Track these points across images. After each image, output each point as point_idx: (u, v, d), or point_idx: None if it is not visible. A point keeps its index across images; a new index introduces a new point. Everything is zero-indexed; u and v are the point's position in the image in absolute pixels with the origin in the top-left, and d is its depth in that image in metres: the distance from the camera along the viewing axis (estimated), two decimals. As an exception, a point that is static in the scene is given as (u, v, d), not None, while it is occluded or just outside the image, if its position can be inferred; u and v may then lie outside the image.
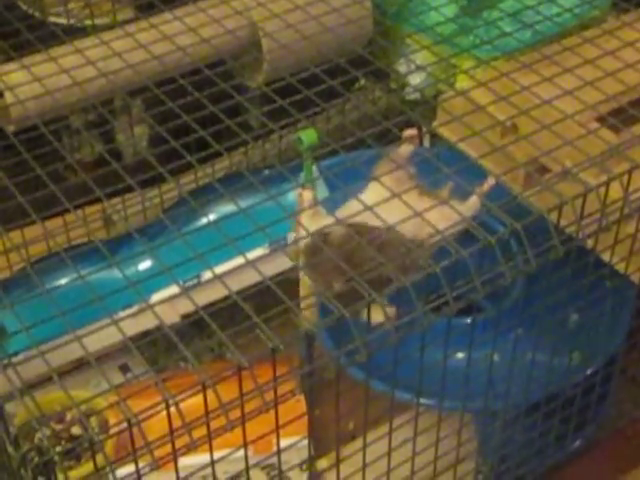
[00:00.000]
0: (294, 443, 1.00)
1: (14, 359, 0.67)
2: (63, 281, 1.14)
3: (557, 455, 1.05)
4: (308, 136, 0.83)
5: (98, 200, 0.90)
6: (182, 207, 1.13)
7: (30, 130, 0.89)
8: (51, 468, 0.61)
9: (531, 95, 0.89)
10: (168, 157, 0.89)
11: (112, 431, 0.65)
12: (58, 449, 0.61)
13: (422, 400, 0.89)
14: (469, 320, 1.02)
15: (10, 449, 0.62)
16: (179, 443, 0.65)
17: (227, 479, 1.06)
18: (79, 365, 1.17)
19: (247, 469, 0.76)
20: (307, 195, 0.84)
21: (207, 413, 0.65)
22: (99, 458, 0.64)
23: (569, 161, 0.84)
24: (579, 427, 1.04)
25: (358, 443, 1.05)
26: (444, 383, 0.86)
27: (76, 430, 1.06)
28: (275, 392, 0.67)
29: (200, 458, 0.73)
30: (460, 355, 0.99)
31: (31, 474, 0.61)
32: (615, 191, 0.81)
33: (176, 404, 0.64)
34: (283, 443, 0.78)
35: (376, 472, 0.89)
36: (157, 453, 0.66)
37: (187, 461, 0.71)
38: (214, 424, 0.66)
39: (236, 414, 0.67)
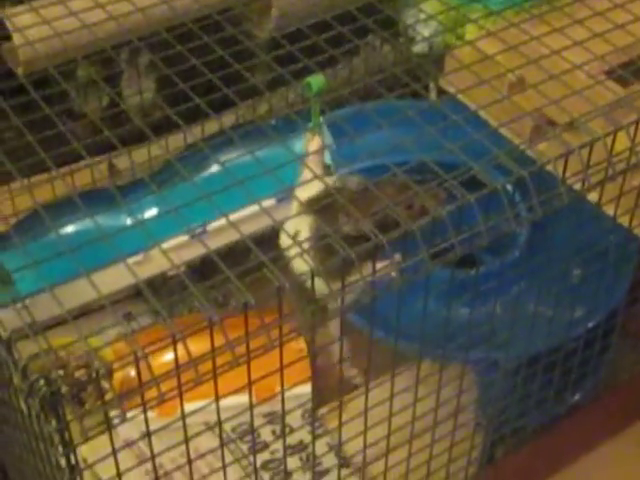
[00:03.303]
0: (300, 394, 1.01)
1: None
2: (67, 228, 1.15)
3: (556, 408, 1.06)
4: (316, 82, 0.83)
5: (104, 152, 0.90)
6: (189, 156, 1.13)
7: (39, 85, 0.89)
8: (59, 399, 0.62)
9: (540, 46, 0.89)
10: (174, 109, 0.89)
11: (118, 365, 0.65)
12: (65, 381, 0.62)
13: (424, 349, 0.90)
14: (472, 272, 1.03)
15: (17, 380, 0.62)
16: (185, 378, 0.66)
17: (231, 429, 1.08)
18: (80, 315, 1.17)
19: (252, 411, 0.76)
20: (315, 141, 0.84)
21: (213, 349, 0.65)
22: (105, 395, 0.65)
23: (576, 112, 0.84)
24: (579, 381, 1.05)
25: (360, 392, 1.06)
26: (446, 332, 0.87)
27: (80, 375, 1.07)
28: (280, 330, 0.68)
29: (203, 403, 0.74)
30: (463, 307, 1.00)
31: (38, 404, 0.61)
32: (622, 143, 0.82)
33: (183, 339, 0.64)
34: (286, 392, 0.79)
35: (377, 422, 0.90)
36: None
37: (191, 407, 0.72)
38: (219, 361, 0.66)
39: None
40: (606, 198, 0.87)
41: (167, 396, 0.65)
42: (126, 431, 0.93)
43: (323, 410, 1.09)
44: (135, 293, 1.25)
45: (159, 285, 1.16)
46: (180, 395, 0.68)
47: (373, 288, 0.70)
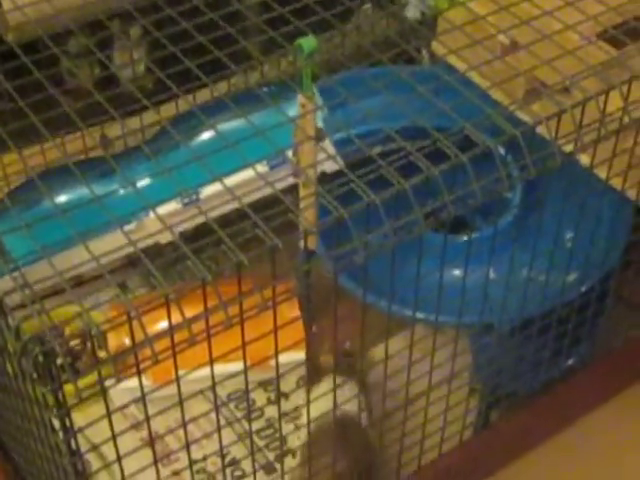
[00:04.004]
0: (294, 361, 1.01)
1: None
2: (60, 197, 1.15)
3: (551, 372, 1.06)
4: (308, 44, 0.82)
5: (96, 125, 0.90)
6: (181, 122, 1.12)
7: (29, 52, 0.89)
8: (52, 359, 0.61)
9: (532, 7, 0.88)
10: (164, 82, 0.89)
11: (111, 325, 0.65)
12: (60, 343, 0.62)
13: (418, 314, 0.90)
14: (465, 238, 1.03)
15: (11, 340, 0.62)
16: (178, 338, 0.66)
17: (226, 396, 1.08)
18: (73, 285, 1.17)
19: (246, 374, 0.76)
20: (308, 104, 0.83)
21: (206, 308, 0.65)
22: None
23: (569, 74, 0.84)
24: (573, 345, 1.05)
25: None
26: (440, 297, 0.87)
27: (75, 344, 1.07)
28: (273, 291, 0.68)
29: (200, 372, 0.74)
30: (456, 273, 1.00)
31: (32, 365, 0.61)
32: (615, 104, 0.81)
33: (177, 301, 0.64)
34: (281, 359, 0.79)
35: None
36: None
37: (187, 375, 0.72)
38: (213, 320, 0.66)
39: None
40: (598, 160, 0.87)
41: (161, 356, 0.65)
42: (120, 400, 0.93)
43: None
44: (128, 263, 1.24)
45: (153, 255, 1.16)
46: (174, 355, 0.67)
47: (367, 248, 0.70)
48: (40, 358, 0.61)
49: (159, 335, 0.65)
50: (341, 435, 0.92)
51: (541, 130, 0.78)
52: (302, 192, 0.87)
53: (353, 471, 0.93)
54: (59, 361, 0.62)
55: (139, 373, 0.67)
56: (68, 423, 0.67)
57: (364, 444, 0.97)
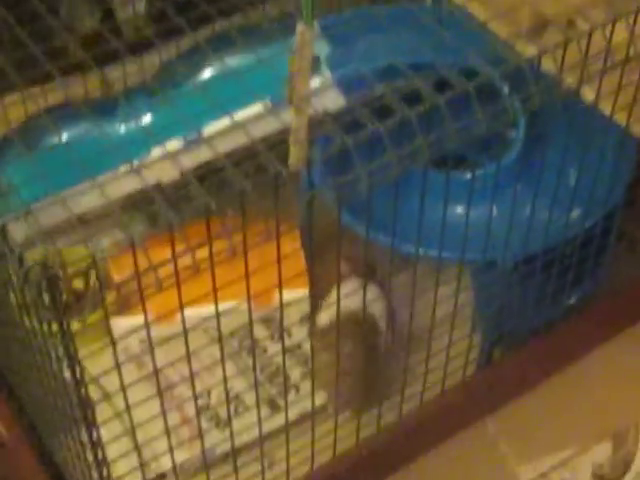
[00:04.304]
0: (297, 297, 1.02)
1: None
2: (62, 139, 1.14)
3: (553, 311, 1.06)
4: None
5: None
6: (185, 57, 1.11)
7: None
8: (55, 285, 0.61)
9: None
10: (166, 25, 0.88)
11: (116, 252, 0.65)
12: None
13: (421, 251, 0.89)
14: (468, 176, 1.03)
15: (13, 266, 0.62)
16: (181, 264, 0.66)
17: (228, 334, 1.08)
18: (77, 227, 1.17)
19: (251, 320, 0.76)
20: (307, 34, 0.82)
21: (209, 237, 0.65)
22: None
23: (575, 4, 0.83)
24: (576, 284, 1.05)
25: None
26: (443, 233, 0.87)
27: (78, 284, 1.07)
28: (277, 220, 0.68)
29: (202, 309, 0.74)
30: (459, 210, 1.00)
31: (35, 291, 0.61)
32: (621, 35, 0.81)
33: (182, 232, 0.64)
34: (284, 297, 0.79)
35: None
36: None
37: (189, 313, 0.72)
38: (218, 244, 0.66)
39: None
40: (603, 94, 0.86)
41: (165, 283, 0.65)
42: (125, 340, 0.94)
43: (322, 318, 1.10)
44: (130, 205, 1.24)
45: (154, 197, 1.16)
46: (178, 284, 0.67)
47: (370, 177, 0.69)
48: (43, 284, 0.61)
49: (163, 263, 0.65)
50: (355, 330, 0.94)
51: (545, 65, 0.78)
52: (295, 122, 0.86)
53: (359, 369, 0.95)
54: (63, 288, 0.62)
55: (143, 302, 0.67)
56: (72, 351, 0.67)
57: (376, 345, 0.99)
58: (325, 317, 1.00)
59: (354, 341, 0.95)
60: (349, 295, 0.87)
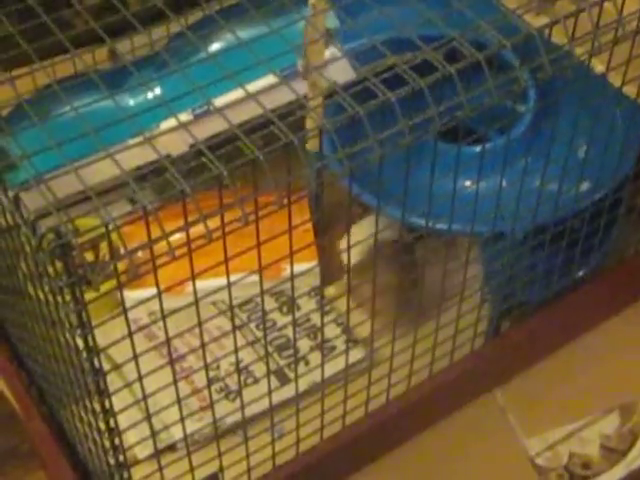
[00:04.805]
0: (307, 269, 1.02)
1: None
2: (69, 113, 1.14)
3: (562, 283, 1.06)
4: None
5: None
6: (191, 35, 1.11)
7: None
8: (68, 251, 0.62)
9: None
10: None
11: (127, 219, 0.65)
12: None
13: (431, 223, 0.89)
14: (478, 149, 1.03)
15: (27, 234, 0.62)
16: (194, 234, 0.66)
17: (238, 305, 1.08)
18: (85, 198, 1.17)
19: (262, 290, 0.76)
20: (319, 5, 0.82)
21: (221, 204, 0.65)
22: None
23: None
24: (585, 256, 1.05)
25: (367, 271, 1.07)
26: (453, 205, 0.87)
27: (89, 256, 1.07)
28: (289, 187, 0.68)
29: (211, 282, 0.74)
30: (469, 183, 1.00)
31: (48, 258, 0.61)
32: (633, 6, 0.81)
33: (194, 199, 0.64)
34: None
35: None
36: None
37: (198, 285, 0.72)
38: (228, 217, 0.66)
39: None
40: (614, 65, 0.86)
41: (177, 253, 0.65)
42: (135, 312, 0.94)
43: (331, 292, 1.10)
44: (139, 178, 1.24)
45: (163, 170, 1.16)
46: (189, 254, 0.68)
47: (381, 146, 0.69)
48: (57, 252, 0.61)
49: (176, 231, 0.65)
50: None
51: (555, 36, 0.78)
52: (311, 93, 0.87)
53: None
54: (76, 255, 0.62)
55: (155, 270, 0.67)
56: (85, 318, 0.67)
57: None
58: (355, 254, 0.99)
59: (388, 261, 0.95)
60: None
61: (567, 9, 0.80)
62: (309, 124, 0.73)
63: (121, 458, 0.81)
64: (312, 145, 0.83)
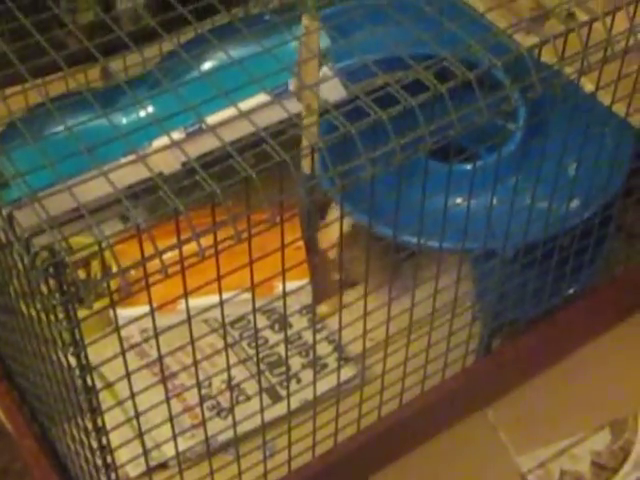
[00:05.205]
0: (299, 287, 1.02)
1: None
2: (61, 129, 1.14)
3: (552, 301, 1.07)
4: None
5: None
6: (183, 53, 1.11)
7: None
8: (62, 270, 0.62)
9: None
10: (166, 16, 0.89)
11: (119, 238, 0.65)
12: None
13: (422, 241, 0.90)
14: (469, 167, 1.03)
15: (20, 252, 0.62)
16: (186, 252, 0.66)
17: (228, 324, 1.09)
18: (78, 217, 1.17)
19: (254, 308, 0.77)
20: (311, 26, 0.83)
21: (214, 222, 0.66)
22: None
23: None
24: (575, 273, 1.06)
25: (358, 289, 1.07)
26: (444, 224, 0.87)
27: (80, 274, 1.08)
28: (281, 205, 0.68)
29: (202, 300, 0.74)
30: (460, 201, 1.00)
31: (42, 275, 0.62)
32: (621, 26, 0.81)
33: (187, 216, 0.64)
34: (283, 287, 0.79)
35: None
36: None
37: (190, 303, 0.72)
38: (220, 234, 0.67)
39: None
40: (603, 84, 0.87)
41: (170, 270, 0.65)
42: (127, 329, 0.94)
43: (323, 310, 1.10)
44: (130, 196, 1.24)
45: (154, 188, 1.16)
46: (182, 271, 0.68)
47: (373, 165, 0.70)
48: (51, 270, 0.61)
49: (168, 249, 0.65)
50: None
51: (545, 56, 0.78)
52: (304, 113, 0.87)
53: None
54: (69, 273, 0.62)
55: (148, 288, 0.67)
56: (78, 337, 0.67)
57: None
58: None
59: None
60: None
61: (556, 29, 0.81)
62: (305, 142, 0.74)
63: (113, 476, 0.81)
64: (307, 163, 0.84)
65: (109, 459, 0.78)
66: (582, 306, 1.10)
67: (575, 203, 1.00)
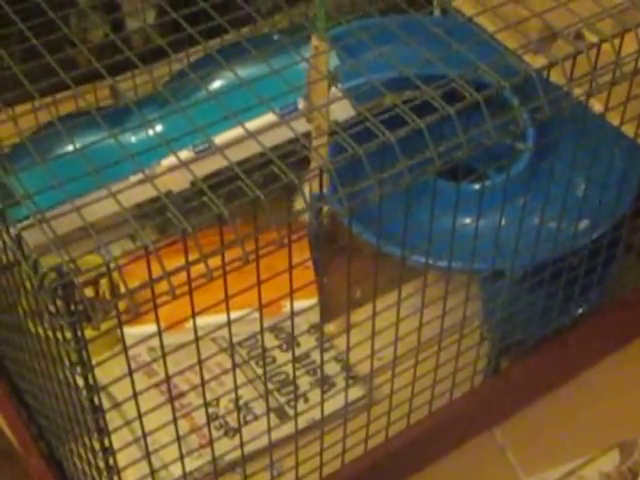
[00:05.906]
0: (307, 307, 1.02)
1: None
2: (69, 149, 1.15)
3: (560, 321, 1.07)
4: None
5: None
6: (192, 74, 1.12)
7: (38, 15, 0.89)
8: (71, 292, 0.62)
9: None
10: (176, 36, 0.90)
11: (127, 259, 0.65)
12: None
13: (431, 261, 0.90)
14: (478, 187, 1.04)
15: (28, 272, 0.63)
16: (194, 272, 0.66)
17: (237, 343, 1.08)
18: (87, 236, 1.17)
19: (262, 327, 0.77)
20: (321, 46, 0.83)
21: (222, 243, 0.66)
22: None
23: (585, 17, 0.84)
24: (584, 293, 1.05)
25: (366, 309, 1.07)
26: (453, 244, 0.87)
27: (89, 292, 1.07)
28: (289, 227, 0.68)
29: (211, 319, 0.74)
30: (469, 221, 1.00)
31: (50, 297, 0.62)
32: (630, 48, 0.81)
33: (194, 237, 0.65)
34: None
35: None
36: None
37: (198, 322, 0.72)
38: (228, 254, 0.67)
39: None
40: (612, 105, 0.87)
41: (178, 291, 0.65)
42: (134, 348, 0.94)
43: (331, 329, 1.10)
44: (140, 215, 1.24)
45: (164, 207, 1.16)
46: (190, 292, 0.68)
47: (381, 186, 0.70)
48: (59, 291, 0.62)
49: (177, 270, 0.65)
50: None
51: (554, 77, 0.78)
52: (314, 133, 0.87)
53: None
54: (77, 294, 0.62)
55: (155, 308, 0.67)
56: (85, 357, 0.67)
57: None
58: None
59: None
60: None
61: (565, 50, 0.81)
62: (314, 164, 0.74)
63: (120, 496, 0.81)
64: (315, 184, 0.84)
65: (116, 479, 0.78)
66: (591, 326, 1.09)
67: (584, 223, 1.00)
